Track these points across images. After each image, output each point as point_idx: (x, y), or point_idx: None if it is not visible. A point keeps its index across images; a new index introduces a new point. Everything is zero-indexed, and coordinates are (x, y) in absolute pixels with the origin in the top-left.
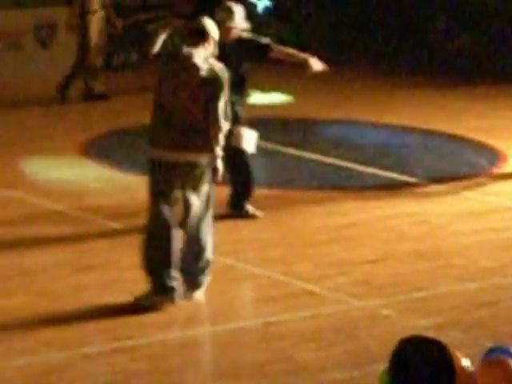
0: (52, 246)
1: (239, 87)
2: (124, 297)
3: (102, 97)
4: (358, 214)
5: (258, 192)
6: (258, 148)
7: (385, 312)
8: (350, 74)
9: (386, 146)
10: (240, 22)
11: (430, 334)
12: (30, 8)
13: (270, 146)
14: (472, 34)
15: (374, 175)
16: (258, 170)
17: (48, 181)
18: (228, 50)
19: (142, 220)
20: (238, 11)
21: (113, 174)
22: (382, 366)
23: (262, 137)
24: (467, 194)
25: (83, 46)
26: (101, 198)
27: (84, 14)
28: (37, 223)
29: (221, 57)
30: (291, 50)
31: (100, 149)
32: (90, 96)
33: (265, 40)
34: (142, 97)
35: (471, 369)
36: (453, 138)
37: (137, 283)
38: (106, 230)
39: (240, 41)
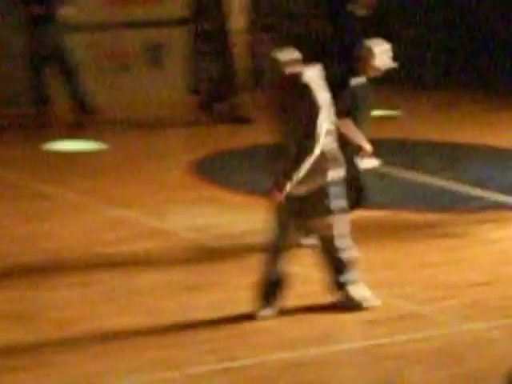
0: (162, 266)
1: None
2: (231, 317)
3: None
4: (466, 237)
5: (367, 213)
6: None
7: (494, 335)
8: (459, 96)
9: (492, 169)
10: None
11: None
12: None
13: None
14: None
15: (481, 198)
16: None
17: (158, 201)
18: None
19: (251, 240)
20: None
21: (220, 194)
22: None
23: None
24: None
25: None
26: (210, 217)
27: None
28: (147, 243)
29: None
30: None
31: (211, 170)
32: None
33: None
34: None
35: None
36: None
37: (243, 303)
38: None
39: None
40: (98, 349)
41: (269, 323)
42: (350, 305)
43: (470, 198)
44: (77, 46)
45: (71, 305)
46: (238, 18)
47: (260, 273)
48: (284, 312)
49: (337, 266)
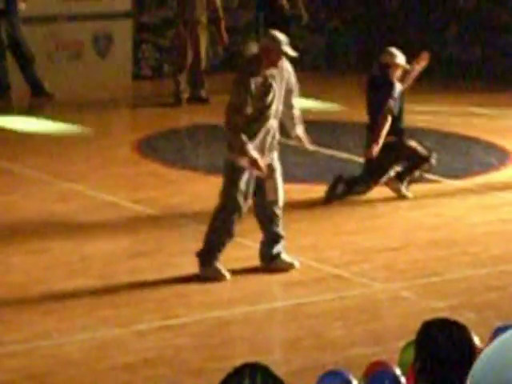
0: (109, 235)
1: None
2: (171, 280)
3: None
4: (381, 207)
5: (294, 187)
6: (291, 147)
7: (404, 294)
8: None
9: None
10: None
11: (445, 314)
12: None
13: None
14: (484, 47)
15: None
16: (293, 168)
17: (104, 175)
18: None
19: (189, 210)
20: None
21: (161, 169)
22: (402, 342)
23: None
24: (479, 189)
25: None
26: (152, 190)
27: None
28: (95, 214)
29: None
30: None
31: (152, 147)
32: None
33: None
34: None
35: (481, 346)
36: (467, 139)
37: (184, 268)
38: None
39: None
40: (52, 308)
41: (206, 285)
42: (283, 266)
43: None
44: (32, 37)
45: (26, 270)
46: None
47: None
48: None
49: (276, 236)
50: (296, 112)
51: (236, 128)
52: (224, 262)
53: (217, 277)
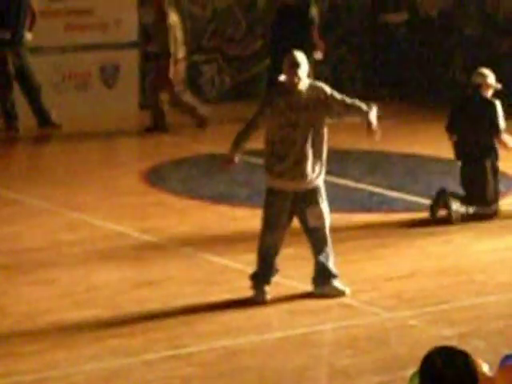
0: (116, 264)
1: None
2: (179, 309)
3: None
4: (389, 236)
5: None
6: None
7: (413, 323)
8: (383, 110)
9: (413, 174)
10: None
11: (453, 342)
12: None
13: None
14: None
15: (402, 200)
16: None
17: (111, 205)
18: None
19: (195, 239)
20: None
21: (168, 198)
22: (410, 371)
23: None
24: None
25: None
26: (159, 220)
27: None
28: (101, 243)
29: None
30: None
31: (159, 177)
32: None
33: None
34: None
35: (490, 374)
36: None
37: (191, 297)
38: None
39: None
40: (60, 338)
41: (213, 313)
42: (334, 294)
43: (392, 201)
44: (39, 67)
45: (34, 300)
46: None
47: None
48: (225, 304)
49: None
50: (356, 103)
51: (245, 126)
52: (231, 292)
53: (257, 300)
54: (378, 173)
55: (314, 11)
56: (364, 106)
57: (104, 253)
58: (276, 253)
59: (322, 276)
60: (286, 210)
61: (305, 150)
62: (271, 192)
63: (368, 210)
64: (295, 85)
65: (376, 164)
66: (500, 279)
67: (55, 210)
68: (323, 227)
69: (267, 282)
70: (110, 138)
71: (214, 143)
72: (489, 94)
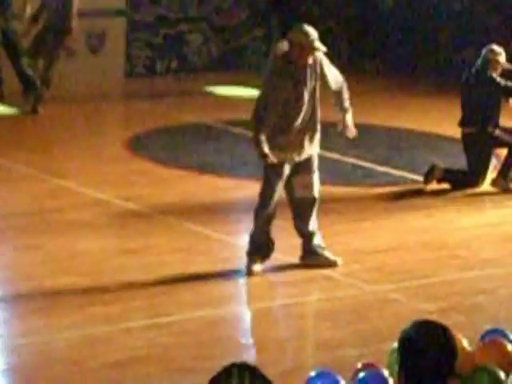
0: (99, 232)
1: None
2: (161, 278)
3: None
4: (371, 209)
5: None
6: None
7: (394, 296)
8: (368, 83)
9: (398, 148)
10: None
11: (434, 317)
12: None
13: None
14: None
15: (386, 174)
16: None
17: (95, 172)
18: None
19: (179, 209)
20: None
21: (152, 167)
22: (390, 344)
23: None
24: (469, 192)
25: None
26: (142, 188)
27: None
28: (85, 211)
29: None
30: None
31: (143, 145)
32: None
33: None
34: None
35: (470, 349)
36: (457, 140)
37: (174, 266)
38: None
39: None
40: (40, 305)
41: (194, 283)
42: (326, 263)
43: (377, 174)
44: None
45: (16, 266)
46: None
47: (252, 234)
48: (207, 274)
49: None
50: (346, 97)
51: (256, 121)
52: (214, 262)
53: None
54: (362, 146)
55: None
56: (348, 103)
57: (87, 220)
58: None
59: (310, 245)
60: (284, 181)
61: (305, 121)
62: (272, 165)
63: (352, 183)
64: (306, 61)
65: (361, 137)
66: (482, 255)
67: (39, 176)
68: (312, 197)
69: (266, 254)
70: (96, 104)
71: (199, 112)
72: (497, 72)
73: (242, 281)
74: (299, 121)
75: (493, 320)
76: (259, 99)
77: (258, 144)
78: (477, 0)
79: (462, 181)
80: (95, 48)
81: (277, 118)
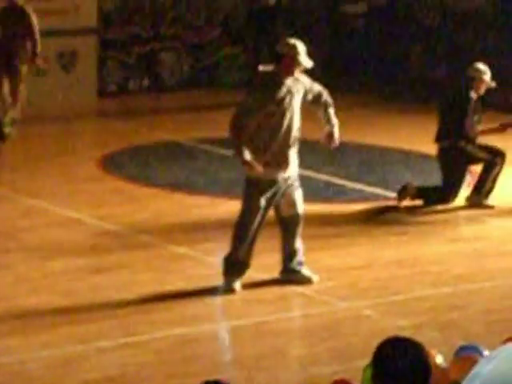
0: (72, 251)
1: None
2: (135, 297)
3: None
4: (345, 225)
5: None
6: None
7: (367, 313)
8: (341, 100)
9: (370, 165)
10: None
11: (408, 333)
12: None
13: None
14: (448, 66)
15: (359, 190)
16: None
17: (68, 192)
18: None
19: (152, 227)
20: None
21: (126, 186)
22: (364, 361)
23: None
24: (441, 207)
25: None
26: (116, 207)
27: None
28: (58, 230)
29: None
30: None
31: (116, 164)
32: None
33: None
34: (154, 118)
35: (444, 365)
36: (429, 157)
37: (147, 285)
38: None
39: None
40: (15, 325)
41: (168, 302)
42: (303, 280)
43: (350, 191)
44: None
45: None
46: None
47: (231, 251)
48: (181, 292)
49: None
50: (331, 111)
51: (235, 128)
52: (188, 280)
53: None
54: (335, 163)
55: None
56: (334, 117)
57: (59, 240)
58: (254, 241)
59: (292, 263)
60: (267, 198)
61: (288, 137)
62: (254, 182)
63: (325, 199)
64: (293, 74)
65: (333, 154)
66: (455, 271)
67: (12, 196)
68: (297, 215)
69: (243, 272)
70: (68, 123)
71: (172, 131)
72: (481, 90)
73: (216, 299)
74: (284, 136)
75: (466, 336)
76: (240, 107)
77: (238, 152)
78: (448, 17)
79: (435, 197)
80: (67, 67)
81: (261, 132)
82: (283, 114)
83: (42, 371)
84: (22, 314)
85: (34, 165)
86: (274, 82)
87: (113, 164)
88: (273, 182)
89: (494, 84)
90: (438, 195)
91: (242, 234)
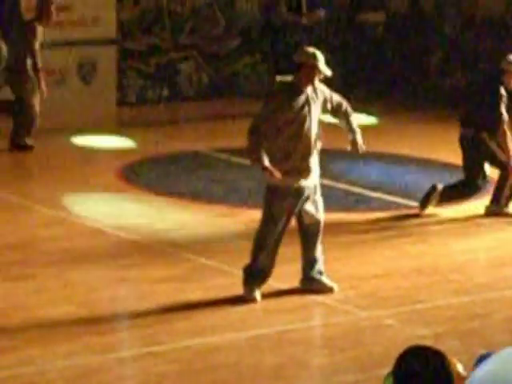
0: (92, 261)
1: None
2: (155, 307)
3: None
4: (365, 235)
5: None
6: None
7: (388, 322)
8: (360, 109)
9: (390, 174)
10: None
11: (429, 342)
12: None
13: None
14: (464, 72)
15: (379, 199)
16: None
17: (89, 202)
18: None
19: (172, 237)
20: None
21: (145, 196)
22: (385, 370)
23: None
24: (463, 216)
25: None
26: (136, 217)
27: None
28: (78, 240)
29: None
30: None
31: (135, 174)
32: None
33: None
34: (173, 128)
35: (465, 373)
36: (451, 167)
37: (168, 294)
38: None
39: None
40: (35, 335)
41: (188, 312)
42: (323, 289)
43: (370, 200)
44: None
45: (9, 296)
46: None
47: (251, 260)
48: (201, 302)
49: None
50: (353, 119)
51: (254, 134)
52: (209, 289)
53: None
54: (354, 172)
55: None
56: (356, 124)
57: (80, 250)
58: (276, 250)
59: (312, 271)
60: (289, 206)
61: (308, 145)
62: (275, 190)
63: (345, 208)
64: (312, 83)
65: (352, 163)
66: (476, 279)
67: (32, 207)
68: (318, 223)
69: (264, 280)
70: (88, 134)
71: (191, 140)
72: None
73: (236, 308)
74: (304, 144)
75: (488, 344)
76: (259, 114)
77: (257, 158)
78: (467, 25)
79: (459, 192)
80: (86, 78)
81: (281, 140)
82: (302, 123)
83: (61, 382)
84: (42, 324)
85: (53, 176)
86: (293, 90)
87: (132, 174)
88: (294, 190)
89: None
90: (462, 189)
91: (262, 243)
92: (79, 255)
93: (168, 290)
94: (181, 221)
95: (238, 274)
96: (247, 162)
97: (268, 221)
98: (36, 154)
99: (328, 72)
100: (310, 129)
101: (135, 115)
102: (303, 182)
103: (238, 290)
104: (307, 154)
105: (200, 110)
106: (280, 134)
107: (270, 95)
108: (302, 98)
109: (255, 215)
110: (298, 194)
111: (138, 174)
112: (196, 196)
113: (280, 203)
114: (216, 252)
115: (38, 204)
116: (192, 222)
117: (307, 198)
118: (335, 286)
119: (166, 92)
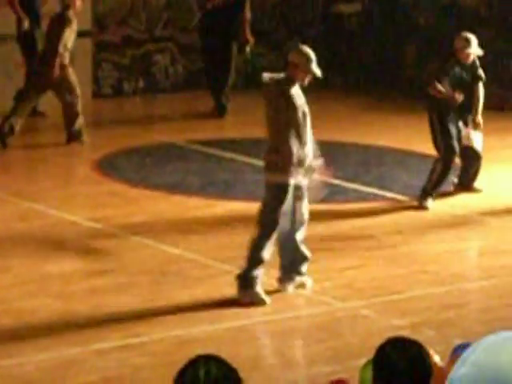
0: (69, 254)
1: None
2: (132, 299)
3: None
4: (341, 226)
5: (246, 206)
6: (251, 165)
7: (364, 312)
8: (335, 100)
9: (366, 165)
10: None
11: (405, 332)
12: None
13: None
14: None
15: (355, 190)
16: (252, 186)
17: (65, 194)
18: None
19: (149, 229)
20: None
21: (121, 188)
22: (362, 360)
23: (255, 155)
24: (438, 207)
25: None
26: (112, 209)
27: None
28: (54, 233)
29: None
30: None
31: (112, 166)
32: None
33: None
34: (149, 120)
35: (441, 364)
36: (426, 157)
37: (144, 287)
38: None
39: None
40: (11, 328)
41: (165, 303)
42: (302, 287)
43: (346, 191)
44: None
45: None
46: None
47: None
48: (178, 294)
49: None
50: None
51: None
52: (186, 280)
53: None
54: (332, 163)
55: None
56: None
57: (57, 242)
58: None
59: (295, 269)
60: (291, 202)
61: (307, 141)
62: (286, 188)
63: (322, 199)
64: (304, 82)
65: (330, 154)
66: (451, 270)
67: (8, 199)
68: (306, 219)
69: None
70: (63, 125)
71: (167, 132)
72: (469, 60)
73: (212, 300)
74: (305, 140)
75: (464, 334)
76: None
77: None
78: (442, 16)
79: (441, 171)
80: None
81: (287, 139)
82: (306, 117)
83: (40, 374)
84: (19, 317)
85: (29, 168)
86: (285, 89)
87: (108, 166)
88: (291, 187)
89: (480, 52)
90: (441, 167)
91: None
92: (55, 247)
93: (144, 282)
94: (157, 213)
95: (215, 266)
96: (224, 153)
97: (275, 217)
98: (11, 145)
99: (319, 73)
100: (306, 126)
101: (111, 107)
102: (301, 178)
103: (215, 281)
104: (306, 156)
105: (176, 102)
106: (284, 133)
107: (266, 98)
108: (296, 97)
109: (233, 206)
110: (298, 190)
111: (113, 166)
112: (173, 188)
113: (284, 201)
114: (193, 243)
115: (14, 196)
116: (169, 214)
117: (300, 195)
118: (309, 281)
119: (141, 84)
